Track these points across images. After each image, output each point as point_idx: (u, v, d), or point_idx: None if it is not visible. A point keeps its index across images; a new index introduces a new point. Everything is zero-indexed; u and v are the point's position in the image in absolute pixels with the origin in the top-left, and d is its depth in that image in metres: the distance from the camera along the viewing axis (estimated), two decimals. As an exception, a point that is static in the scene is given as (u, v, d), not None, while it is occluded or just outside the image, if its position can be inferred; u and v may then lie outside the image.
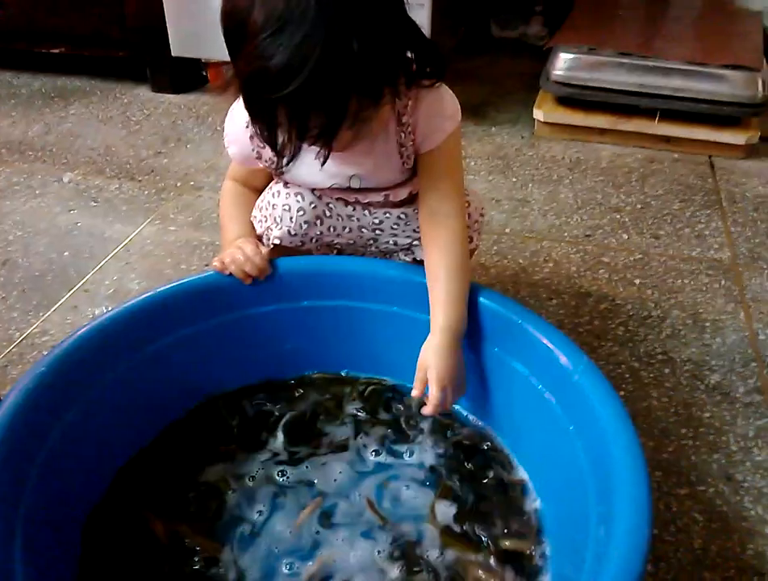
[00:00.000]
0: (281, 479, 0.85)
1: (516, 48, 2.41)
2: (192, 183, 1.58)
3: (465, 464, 0.87)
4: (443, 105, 0.87)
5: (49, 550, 0.71)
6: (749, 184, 1.60)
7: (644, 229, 1.43)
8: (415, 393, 0.84)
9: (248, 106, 0.75)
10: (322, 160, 0.77)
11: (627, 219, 1.47)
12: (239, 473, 0.86)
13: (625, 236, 1.41)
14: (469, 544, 0.78)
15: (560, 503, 0.78)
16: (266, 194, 0.97)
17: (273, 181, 0.97)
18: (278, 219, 0.95)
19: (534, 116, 1.78)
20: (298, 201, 0.94)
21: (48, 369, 0.76)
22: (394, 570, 0.76)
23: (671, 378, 1.07)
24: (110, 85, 2.08)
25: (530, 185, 1.59)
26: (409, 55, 0.80)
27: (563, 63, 1.69)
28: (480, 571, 0.75)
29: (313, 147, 0.76)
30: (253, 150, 0.91)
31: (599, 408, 0.73)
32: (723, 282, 1.28)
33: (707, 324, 1.18)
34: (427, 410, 0.82)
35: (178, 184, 1.57)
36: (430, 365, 0.82)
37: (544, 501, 0.82)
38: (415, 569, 0.76)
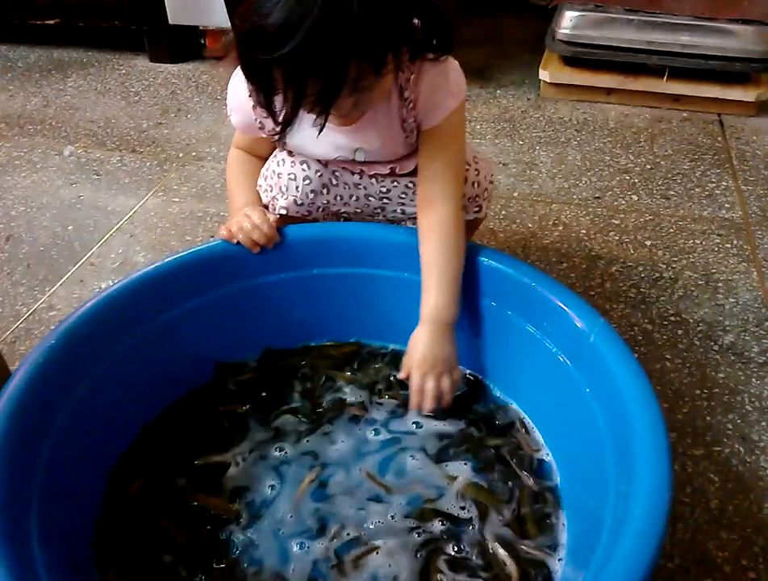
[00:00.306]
0: (281, 454, 0.84)
1: (520, 8, 2.36)
2: (194, 154, 1.56)
3: (478, 430, 0.86)
4: (447, 80, 0.83)
5: (65, 522, 0.71)
6: (760, 141, 1.57)
7: (654, 190, 1.41)
8: (401, 375, 0.85)
9: (244, 67, 0.73)
10: (319, 128, 0.74)
11: (636, 180, 1.44)
12: (242, 449, 0.85)
13: (635, 198, 1.39)
14: (495, 495, 0.79)
15: (577, 465, 0.78)
16: (271, 163, 0.95)
17: (278, 149, 0.95)
18: (284, 188, 0.93)
19: (540, 77, 1.75)
20: (303, 169, 0.92)
21: (57, 343, 0.76)
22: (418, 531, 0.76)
23: (684, 340, 1.06)
24: (107, 55, 2.05)
25: (537, 147, 1.56)
26: (415, 23, 0.77)
27: (569, 21, 1.65)
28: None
29: (312, 115, 0.73)
30: (256, 119, 0.88)
31: (616, 369, 0.72)
32: (735, 242, 1.26)
33: (720, 285, 1.16)
34: (410, 403, 0.83)
35: (180, 155, 1.55)
36: (412, 354, 0.83)
37: (560, 465, 0.81)
38: (444, 525, 0.76)
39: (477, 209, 0.98)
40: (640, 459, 0.64)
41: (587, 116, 1.68)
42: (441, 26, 0.79)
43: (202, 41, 1.98)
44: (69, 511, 0.71)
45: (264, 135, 0.91)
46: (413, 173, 0.93)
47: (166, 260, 0.88)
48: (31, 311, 1.13)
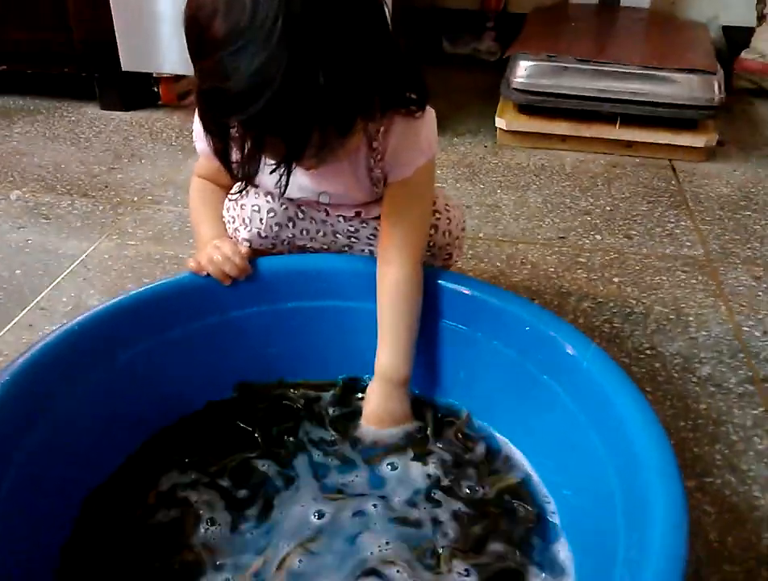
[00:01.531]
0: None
1: (468, 63, 2.43)
2: (150, 197, 1.51)
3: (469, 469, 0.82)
4: (417, 136, 0.81)
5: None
6: (712, 185, 1.62)
7: (616, 230, 1.43)
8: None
9: (202, 121, 0.70)
10: (282, 187, 0.71)
11: (598, 221, 1.46)
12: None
13: (598, 237, 1.40)
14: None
15: (579, 502, 0.74)
16: (232, 192, 0.91)
17: (241, 179, 0.91)
18: (247, 220, 0.89)
19: (496, 125, 1.77)
20: (268, 201, 0.89)
21: (12, 379, 0.69)
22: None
23: (663, 372, 1.05)
24: (55, 103, 1.99)
25: (498, 191, 1.57)
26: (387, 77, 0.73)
27: (523, 70, 1.69)
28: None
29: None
30: (207, 144, 0.85)
31: (614, 395, 0.70)
32: (700, 278, 1.27)
33: (691, 318, 1.17)
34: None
35: (135, 199, 1.50)
36: (365, 408, 0.85)
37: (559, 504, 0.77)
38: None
39: (447, 257, 0.96)
40: (652, 493, 0.60)
41: (544, 162, 1.71)
42: (415, 83, 0.77)
43: (156, 89, 1.95)
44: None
45: None
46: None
47: (130, 293, 0.83)
48: (-25, 357, 1.04)
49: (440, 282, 0.86)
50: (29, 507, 0.67)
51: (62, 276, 1.23)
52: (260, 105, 0.61)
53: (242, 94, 0.62)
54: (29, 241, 1.34)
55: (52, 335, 0.75)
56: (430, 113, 0.81)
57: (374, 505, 0.76)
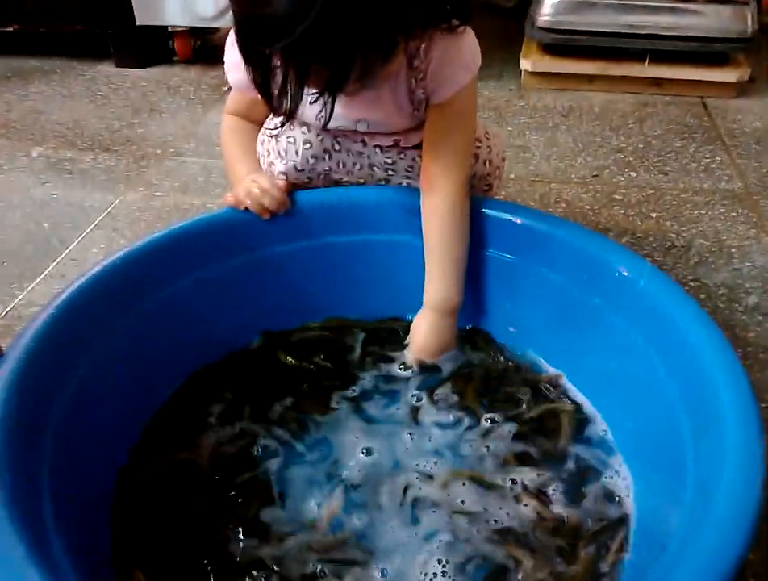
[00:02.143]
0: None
1: (484, 10, 2.36)
2: (173, 150, 1.48)
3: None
4: (460, 52, 0.77)
5: (81, 505, 0.62)
6: (745, 120, 1.57)
7: (651, 166, 1.39)
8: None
9: (242, 52, 0.67)
10: (325, 117, 0.68)
11: (631, 158, 1.42)
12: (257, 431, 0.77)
13: (633, 174, 1.37)
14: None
15: (640, 429, 0.72)
16: (268, 126, 0.88)
17: (274, 113, 0.89)
18: (282, 152, 0.87)
19: (521, 66, 1.73)
20: (303, 133, 0.86)
21: (58, 313, 0.67)
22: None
23: (708, 303, 1.02)
24: (69, 63, 1.96)
25: (527, 132, 1.54)
26: None
27: (549, 7, 1.64)
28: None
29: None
30: (248, 78, 0.82)
31: (674, 312, 0.68)
32: (740, 211, 1.24)
33: (733, 250, 1.14)
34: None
35: (158, 151, 1.48)
36: (413, 340, 0.84)
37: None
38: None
39: (486, 187, 0.93)
40: (726, 410, 0.58)
41: (572, 103, 1.67)
42: None
43: (171, 45, 1.92)
44: (83, 493, 0.63)
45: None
46: (420, 146, 0.88)
47: (171, 227, 0.81)
48: (10, 307, 1.03)
49: (483, 210, 0.84)
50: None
51: (90, 227, 1.22)
52: (301, 29, 0.58)
53: (283, 18, 0.59)
54: (54, 195, 1.32)
55: (87, 275, 0.73)
56: (469, 30, 0.78)
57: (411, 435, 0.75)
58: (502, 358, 0.85)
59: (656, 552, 0.56)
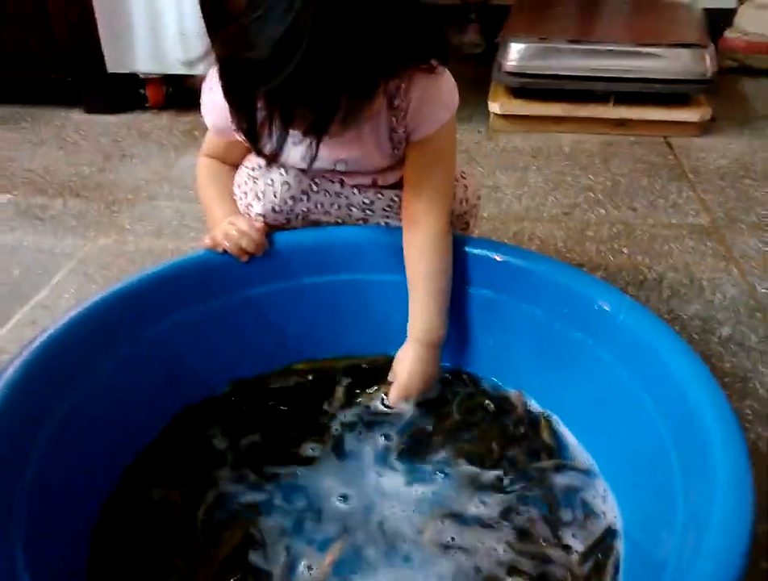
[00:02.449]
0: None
1: (452, 55, 2.41)
2: (145, 194, 1.47)
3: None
4: (439, 91, 0.79)
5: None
6: (709, 157, 1.62)
7: (620, 203, 1.42)
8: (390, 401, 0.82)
9: (226, 95, 0.68)
10: (310, 158, 0.69)
11: (600, 196, 1.45)
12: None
13: (603, 211, 1.39)
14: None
15: (626, 462, 0.72)
16: (245, 168, 0.89)
17: (252, 154, 0.89)
18: (260, 194, 0.87)
19: (490, 109, 1.76)
20: (281, 174, 0.87)
21: (34, 359, 0.66)
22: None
23: (683, 334, 1.03)
24: (39, 110, 1.95)
25: (497, 173, 1.56)
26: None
27: (515, 53, 1.68)
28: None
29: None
30: (232, 121, 0.83)
31: (657, 344, 0.68)
32: (708, 244, 1.27)
33: (705, 282, 1.16)
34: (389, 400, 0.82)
35: (130, 196, 1.47)
36: (397, 375, 0.82)
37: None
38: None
39: (464, 226, 0.95)
40: (712, 440, 0.58)
41: (540, 144, 1.70)
42: (435, 36, 0.75)
43: (142, 91, 1.92)
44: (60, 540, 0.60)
45: (240, 139, 0.85)
46: (398, 185, 0.88)
47: (145, 272, 0.80)
48: (-21, 356, 1.01)
49: (462, 248, 0.84)
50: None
51: (61, 273, 1.20)
52: (287, 72, 0.59)
53: (267, 62, 0.59)
54: (24, 242, 1.30)
55: (65, 318, 0.71)
56: (446, 70, 0.80)
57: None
58: (483, 396, 0.85)
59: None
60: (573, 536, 0.69)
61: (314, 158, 0.70)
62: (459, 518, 0.70)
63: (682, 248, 1.26)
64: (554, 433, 0.79)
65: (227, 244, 0.82)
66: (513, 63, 1.69)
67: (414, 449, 0.78)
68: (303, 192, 0.87)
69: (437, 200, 0.81)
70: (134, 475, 0.74)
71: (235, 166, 0.91)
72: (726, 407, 0.60)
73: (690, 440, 0.60)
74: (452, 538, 0.68)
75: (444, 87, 0.79)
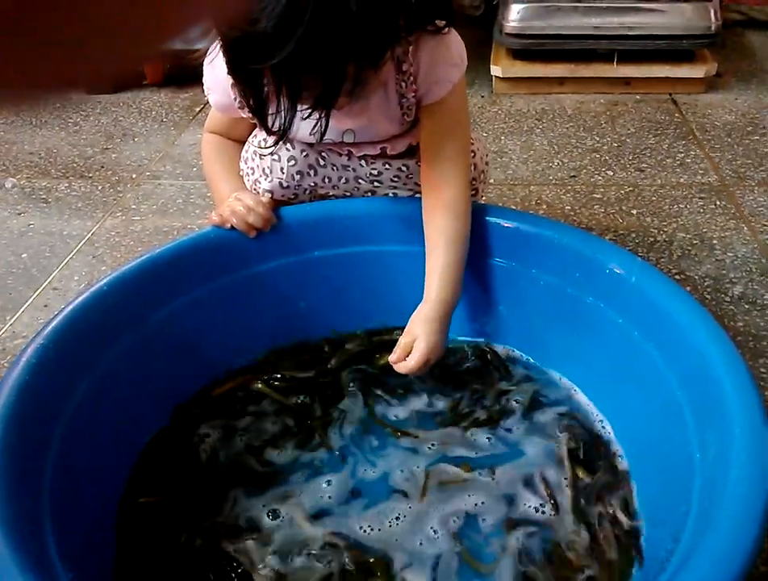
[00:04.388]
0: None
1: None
2: (149, 173, 1.47)
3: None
4: (449, 51, 0.78)
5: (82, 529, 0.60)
6: (715, 114, 1.60)
7: (627, 164, 1.41)
8: (393, 358, 0.77)
9: (232, 73, 0.67)
10: (320, 131, 0.69)
11: (607, 157, 1.44)
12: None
13: (610, 173, 1.38)
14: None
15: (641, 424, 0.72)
16: (251, 144, 0.88)
17: (257, 129, 0.88)
18: (267, 170, 0.86)
19: (492, 73, 1.74)
20: (288, 149, 0.86)
21: (48, 343, 0.66)
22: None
23: (695, 295, 1.03)
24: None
25: (502, 137, 1.54)
26: None
27: (516, 14, 1.65)
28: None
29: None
30: (235, 99, 0.82)
31: (669, 305, 0.68)
32: (718, 203, 1.26)
33: (715, 242, 1.15)
34: (400, 368, 0.76)
35: (134, 176, 1.46)
36: (419, 336, 0.77)
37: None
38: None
39: (473, 193, 0.94)
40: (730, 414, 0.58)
41: (544, 106, 1.68)
42: None
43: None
44: (84, 517, 0.61)
45: (244, 116, 0.84)
46: (405, 154, 0.88)
47: (154, 251, 0.80)
48: (-7, 341, 1.01)
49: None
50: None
51: (71, 255, 1.20)
52: (292, 45, 0.58)
53: (273, 35, 0.59)
54: (31, 225, 1.30)
55: (81, 298, 0.72)
56: (453, 30, 0.79)
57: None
58: (497, 366, 0.85)
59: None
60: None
61: (324, 132, 0.69)
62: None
63: (691, 207, 1.25)
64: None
65: (235, 221, 0.82)
66: (514, 24, 1.67)
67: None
68: (310, 166, 0.87)
69: (456, 163, 0.80)
70: (158, 446, 0.76)
71: (241, 142, 0.90)
72: (741, 365, 0.60)
73: (705, 398, 0.60)
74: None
75: (453, 47, 0.78)
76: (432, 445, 0.75)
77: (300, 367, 0.85)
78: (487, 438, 0.75)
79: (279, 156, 0.86)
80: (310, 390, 0.82)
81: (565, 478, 0.70)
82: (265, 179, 0.86)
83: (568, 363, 0.81)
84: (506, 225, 0.82)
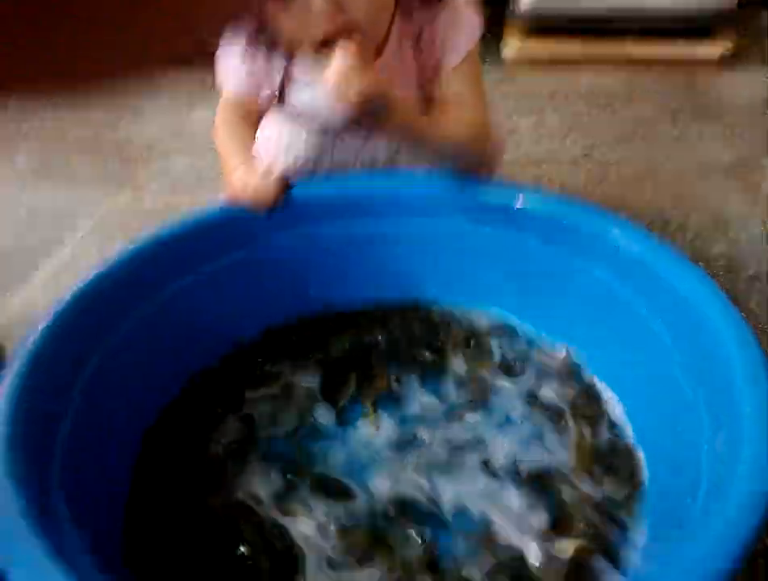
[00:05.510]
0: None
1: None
2: (159, 150, 1.47)
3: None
4: (464, 17, 0.79)
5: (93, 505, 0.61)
6: (732, 93, 1.57)
7: (641, 143, 1.39)
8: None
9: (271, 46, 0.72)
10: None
11: (621, 136, 1.42)
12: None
13: (624, 152, 1.36)
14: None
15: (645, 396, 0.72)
16: (267, 127, 0.88)
17: (274, 112, 0.88)
18: (284, 152, 0.86)
19: (504, 51, 1.72)
20: (305, 132, 0.86)
21: (58, 318, 0.66)
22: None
23: (708, 273, 1.02)
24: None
25: (514, 116, 1.53)
26: None
27: (531, -9, 1.63)
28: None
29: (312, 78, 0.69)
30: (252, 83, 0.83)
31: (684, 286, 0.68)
32: (733, 183, 1.24)
33: (730, 223, 1.14)
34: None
35: (144, 153, 1.46)
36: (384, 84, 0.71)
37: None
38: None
39: (489, 171, 0.93)
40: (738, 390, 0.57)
41: (557, 85, 1.66)
42: None
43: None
44: (96, 495, 0.62)
45: (260, 101, 0.84)
46: None
47: (165, 227, 0.80)
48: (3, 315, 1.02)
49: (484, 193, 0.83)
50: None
51: (82, 232, 1.20)
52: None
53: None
54: (43, 202, 1.31)
55: (91, 275, 0.72)
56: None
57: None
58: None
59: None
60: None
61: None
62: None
63: (706, 187, 1.23)
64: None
65: (246, 197, 0.81)
66: (528, 2, 1.64)
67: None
68: (327, 150, 0.87)
69: (477, 116, 0.80)
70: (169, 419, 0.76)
71: (257, 118, 0.90)
72: (753, 344, 0.59)
73: (716, 377, 0.60)
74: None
75: (468, 12, 0.80)
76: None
77: (308, 344, 0.85)
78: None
79: (296, 139, 0.86)
80: (322, 368, 0.83)
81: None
82: (281, 161, 0.86)
83: (579, 340, 0.81)
84: (518, 201, 0.81)
